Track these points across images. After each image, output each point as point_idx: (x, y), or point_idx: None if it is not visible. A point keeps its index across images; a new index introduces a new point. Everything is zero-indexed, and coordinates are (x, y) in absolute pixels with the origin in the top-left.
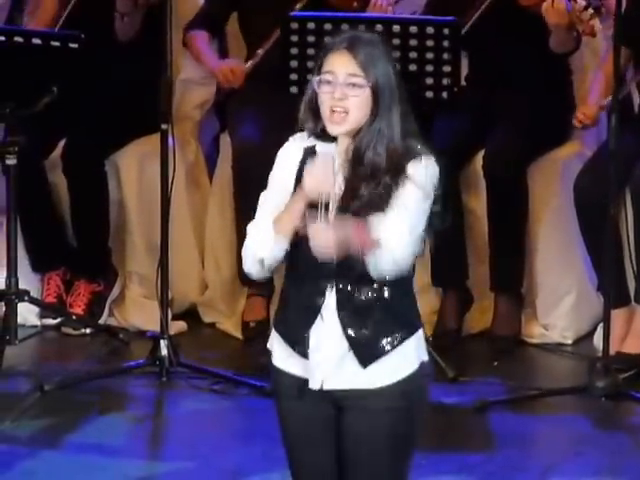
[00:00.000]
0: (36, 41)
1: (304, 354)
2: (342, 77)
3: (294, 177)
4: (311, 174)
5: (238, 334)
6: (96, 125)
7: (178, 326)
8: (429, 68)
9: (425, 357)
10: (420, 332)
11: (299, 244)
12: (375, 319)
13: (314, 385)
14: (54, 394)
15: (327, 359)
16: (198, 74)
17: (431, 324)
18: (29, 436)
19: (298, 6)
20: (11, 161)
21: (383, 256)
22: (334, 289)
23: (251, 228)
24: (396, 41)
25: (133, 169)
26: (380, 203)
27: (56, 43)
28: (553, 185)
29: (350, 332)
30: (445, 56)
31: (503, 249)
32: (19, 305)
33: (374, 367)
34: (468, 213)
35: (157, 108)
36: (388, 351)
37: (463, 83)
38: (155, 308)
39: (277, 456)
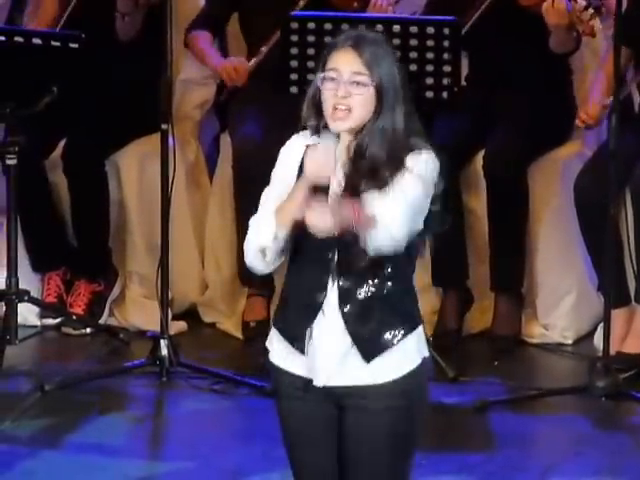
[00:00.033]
0: (36, 41)
1: (303, 350)
2: (347, 75)
3: (296, 173)
4: (312, 158)
5: (238, 334)
6: (96, 125)
7: (178, 326)
8: (429, 68)
9: (426, 352)
10: (421, 327)
11: (300, 241)
12: (377, 314)
13: (318, 382)
14: (54, 394)
15: (330, 355)
16: (198, 74)
17: (431, 324)
18: (29, 436)
19: (299, 5)
20: (11, 161)
21: (379, 232)
22: (335, 285)
23: (253, 221)
24: (396, 41)
25: (133, 169)
26: None
27: (56, 43)
28: (553, 185)
29: (353, 327)
30: (445, 56)
31: (503, 249)
32: (19, 305)
33: (378, 362)
34: (468, 213)
35: (157, 108)
36: (391, 346)
37: (463, 83)
38: (155, 308)
39: (277, 456)
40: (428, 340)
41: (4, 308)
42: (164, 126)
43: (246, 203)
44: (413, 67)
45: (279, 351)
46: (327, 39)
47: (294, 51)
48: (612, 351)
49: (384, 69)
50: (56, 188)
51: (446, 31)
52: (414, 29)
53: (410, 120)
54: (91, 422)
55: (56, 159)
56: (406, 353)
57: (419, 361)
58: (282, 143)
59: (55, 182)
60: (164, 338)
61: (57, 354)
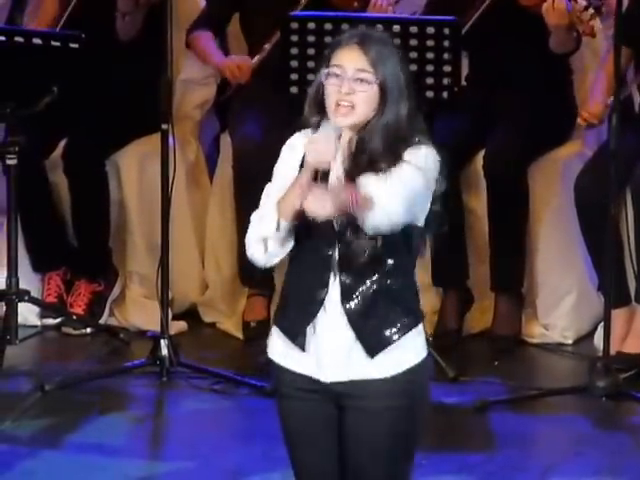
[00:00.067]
0: (36, 41)
1: (303, 347)
2: (351, 72)
3: (297, 170)
4: (313, 143)
5: (238, 334)
6: (97, 125)
7: (178, 326)
8: (429, 68)
9: (426, 348)
10: (421, 324)
11: (300, 238)
12: (380, 309)
13: (325, 378)
14: (54, 394)
15: (335, 352)
16: (198, 74)
17: (432, 324)
18: (30, 436)
19: (300, 5)
20: (12, 161)
21: (376, 211)
22: (337, 281)
23: (254, 216)
24: (396, 41)
25: (133, 169)
26: None
27: (56, 43)
28: (554, 185)
29: (356, 323)
30: (445, 56)
31: (503, 249)
32: (20, 305)
33: (381, 357)
34: (468, 213)
35: (158, 108)
36: (395, 340)
37: (463, 83)
38: (155, 308)
39: (277, 456)
40: (428, 340)
41: (4, 308)
42: (164, 126)
43: (246, 203)
44: (413, 67)
45: (280, 349)
46: (327, 39)
47: (294, 51)
48: (612, 351)
49: (389, 68)
50: (56, 188)
51: (446, 31)
52: (414, 29)
53: (414, 119)
54: (91, 422)
55: (56, 159)
56: (409, 347)
57: (423, 355)
58: (282, 143)
59: (55, 182)
60: (164, 338)
61: (57, 354)
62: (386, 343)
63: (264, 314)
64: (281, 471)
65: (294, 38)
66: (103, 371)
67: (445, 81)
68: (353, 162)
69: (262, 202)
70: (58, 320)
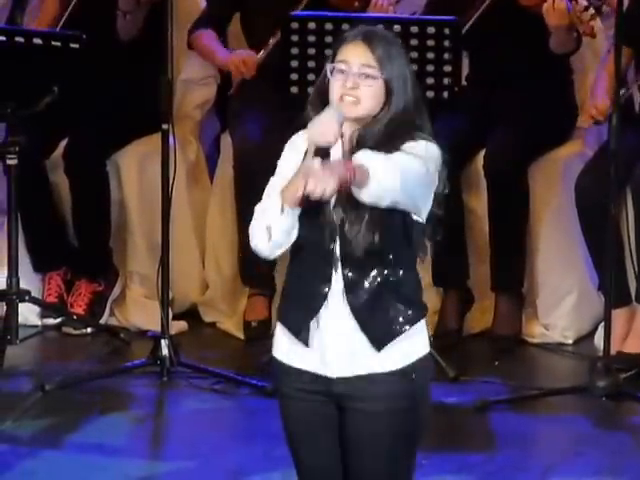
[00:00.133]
0: (37, 41)
1: (307, 342)
2: (356, 67)
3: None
4: (317, 120)
5: (239, 334)
6: (97, 125)
7: (179, 326)
8: (430, 68)
9: (428, 345)
10: (425, 317)
11: (301, 235)
12: (384, 303)
13: (330, 373)
14: (55, 394)
15: (340, 346)
16: (199, 74)
17: (432, 324)
18: (30, 436)
19: (300, 5)
20: (12, 161)
21: (372, 184)
22: (340, 275)
23: (258, 207)
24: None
25: (134, 169)
26: None
27: (57, 43)
28: (554, 185)
29: (361, 317)
30: (446, 56)
31: (504, 249)
32: (20, 305)
33: (388, 350)
34: (469, 213)
35: (158, 108)
36: (404, 330)
37: (464, 83)
38: (156, 308)
39: (278, 456)
40: (429, 340)
41: (5, 308)
42: (165, 126)
43: (247, 203)
44: (414, 67)
45: (284, 347)
46: (328, 39)
47: (294, 51)
48: (613, 351)
49: (394, 64)
50: (57, 188)
51: (447, 31)
52: (415, 29)
53: (418, 116)
54: (92, 422)
55: (57, 159)
56: (415, 340)
57: (428, 349)
58: (283, 143)
59: (56, 182)
60: (165, 338)
61: (58, 354)
62: (394, 335)
63: (265, 314)
64: (282, 471)
65: (294, 38)
66: (103, 371)
67: (445, 81)
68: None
69: (265, 196)
70: (58, 320)
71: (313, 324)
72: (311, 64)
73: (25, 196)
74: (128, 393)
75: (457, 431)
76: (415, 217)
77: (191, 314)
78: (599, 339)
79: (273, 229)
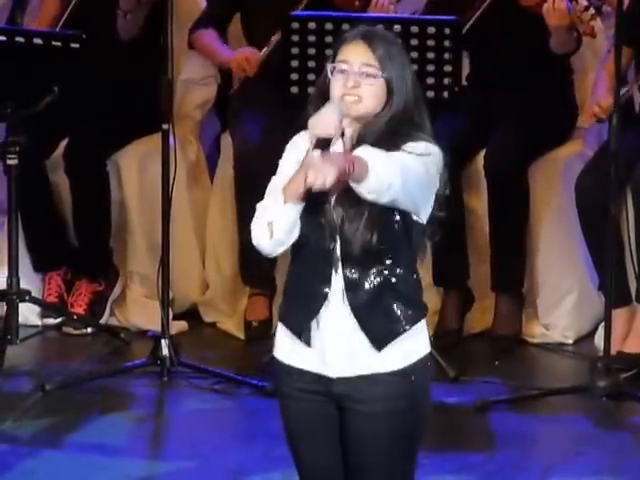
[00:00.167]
0: (37, 41)
1: (309, 342)
2: (357, 66)
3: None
4: (318, 114)
5: (239, 334)
6: (97, 125)
7: (179, 326)
8: (430, 68)
9: (429, 345)
10: (425, 317)
11: (302, 235)
12: (384, 303)
13: (331, 373)
14: (55, 394)
15: (340, 346)
16: (199, 74)
17: (432, 324)
18: (30, 436)
19: (300, 5)
20: (12, 161)
21: (371, 178)
22: (340, 275)
23: (260, 205)
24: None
25: (134, 169)
26: None
27: (57, 43)
28: (554, 185)
29: (361, 317)
30: (446, 56)
31: (504, 249)
32: (20, 305)
33: (389, 349)
34: (469, 213)
35: (158, 108)
36: (400, 334)
37: (464, 83)
38: (156, 308)
39: (278, 456)
40: (429, 339)
41: (5, 308)
42: (165, 126)
43: (247, 203)
44: (414, 67)
45: (286, 347)
46: (328, 39)
47: (295, 51)
48: (613, 351)
49: (395, 63)
50: (57, 188)
51: (447, 31)
52: (415, 29)
53: (421, 119)
54: (92, 422)
55: (57, 159)
56: (418, 338)
57: (428, 348)
58: (283, 143)
59: (56, 182)
60: (165, 338)
61: (58, 354)
62: (394, 335)
63: (266, 314)
64: (282, 471)
65: (295, 38)
66: (104, 371)
67: (446, 81)
68: None
69: (266, 194)
70: (59, 320)
71: (314, 324)
72: (311, 64)
73: (25, 196)
74: (128, 393)
75: (457, 431)
76: (415, 218)
77: (191, 314)
78: (599, 339)
79: (275, 226)
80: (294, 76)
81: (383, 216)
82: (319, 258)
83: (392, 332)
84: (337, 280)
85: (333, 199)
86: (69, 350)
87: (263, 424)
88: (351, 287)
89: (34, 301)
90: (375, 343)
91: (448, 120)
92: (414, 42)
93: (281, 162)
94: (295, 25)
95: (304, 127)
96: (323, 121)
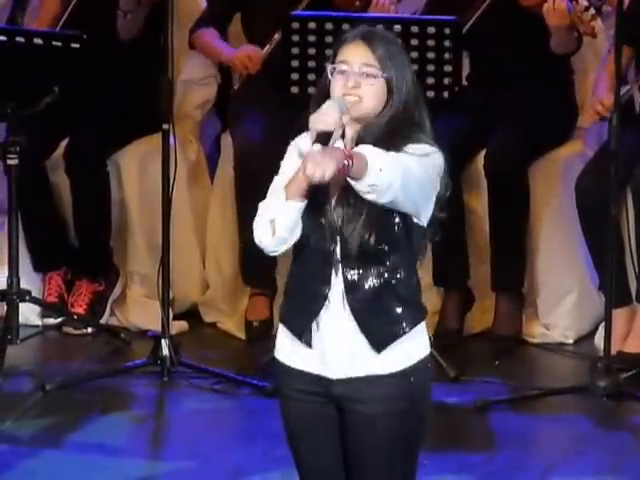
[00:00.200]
0: (37, 41)
1: (310, 344)
2: (357, 66)
3: None
4: (318, 110)
5: (239, 334)
6: (98, 125)
7: (179, 326)
8: (430, 68)
9: (429, 347)
10: (425, 319)
11: (303, 235)
12: (384, 305)
13: (331, 375)
14: (56, 394)
15: (340, 348)
16: (199, 74)
17: (433, 324)
18: (31, 436)
19: (301, 5)
20: (12, 161)
21: (370, 174)
22: (340, 277)
23: (262, 204)
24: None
25: (134, 169)
26: None
27: (57, 43)
28: (554, 185)
29: (361, 319)
30: (446, 56)
31: (504, 249)
32: (21, 305)
33: (389, 351)
34: (469, 213)
35: (158, 108)
36: (399, 336)
37: (464, 83)
38: (156, 308)
39: (278, 456)
40: (429, 339)
41: (5, 308)
42: (165, 126)
43: (247, 203)
44: (414, 67)
45: (287, 348)
46: (328, 39)
47: (295, 51)
48: (613, 351)
49: (395, 63)
50: (57, 188)
51: (447, 31)
52: (415, 29)
53: (421, 119)
54: (92, 422)
55: (58, 159)
56: (418, 340)
57: (428, 350)
58: (284, 143)
59: (56, 182)
60: (165, 338)
61: (58, 354)
62: (394, 337)
63: (267, 314)
64: (282, 471)
65: (295, 38)
66: (104, 371)
67: (446, 81)
68: None
69: (269, 194)
70: (59, 320)
71: (314, 326)
72: (311, 64)
73: (25, 196)
74: (129, 393)
75: (457, 431)
76: (416, 220)
77: (192, 314)
78: (599, 339)
79: (277, 223)
80: (294, 76)
81: (383, 218)
82: (319, 259)
83: (392, 334)
84: (337, 281)
85: (334, 200)
86: (69, 350)
87: (263, 424)
88: (351, 289)
89: (34, 301)
90: (375, 345)
91: (448, 120)
92: (414, 42)
93: (283, 163)
94: (295, 25)
95: (305, 127)
96: (323, 116)
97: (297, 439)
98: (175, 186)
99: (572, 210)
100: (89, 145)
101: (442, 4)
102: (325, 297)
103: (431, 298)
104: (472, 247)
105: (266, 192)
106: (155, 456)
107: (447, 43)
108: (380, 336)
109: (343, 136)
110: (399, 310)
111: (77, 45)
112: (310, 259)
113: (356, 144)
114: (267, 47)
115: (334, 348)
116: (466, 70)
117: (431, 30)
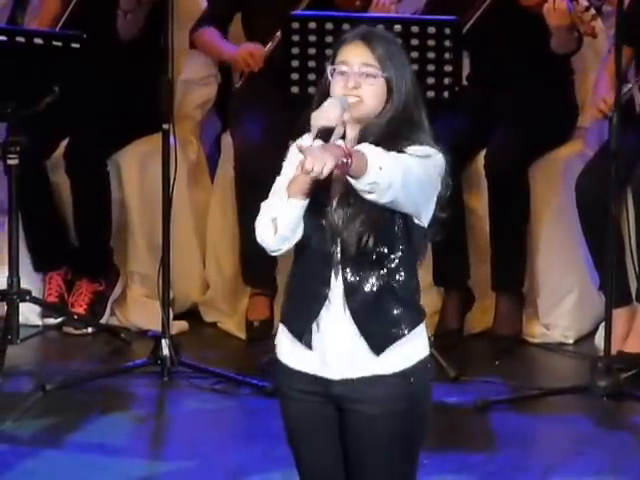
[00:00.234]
0: (38, 41)
1: (310, 345)
2: (356, 67)
3: None
4: (320, 108)
5: (239, 334)
6: (98, 125)
7: (179, 326)
8: (430, 67)
9: (428, 348)
10: (424, 323)
11: (303, 236)
12: (383, 306)
13: (331, 376)
14: (56, 394)
15: (340, 349)
16: (199, 74)
17: (433, 324)
18: (31, 436)
19: (301, 5)
20: (13, 161)
21: (370, 172)
22: (340, 278)
23: (264, 203)
24: (397, 41)
25: (134, 169)
26: None
27: (58, 43)
28: (555, 185)
29: (360, 321)
30: (446, 56)
31: (504, 248)
32: (21, 305)
33: (388, 353)
34: (469, 212)
35: (158, 108)
36: (399, 337)
37: (465, 83)
38: (157, 308)
39: (278, 456)
40: (429, 340)
41: (6, 308)
42: (165, 126)
43: (248, 203)
44: (414, 67)
45: (287, 348)
46: (328, 39)
47: (295, 51)
48: (613, 351)
49: (395, 63)
50: (57, 188)
51: (447, 31)
52: (415, 29)
53: (420, 118)
54: (92, 422)
55: (58, 159)
56: (415, 343)
57: (427, 351)
58: (284, 143)
59: (57, 182)
60: (165, 338)
61: (58, 354)
62: (393, 339)
63: (267, 314)
64: (282, 471)
65: (295, 38)
66: (104, 371)
67: (446, 81)
68: None
69: (271, 194)
70: (59, 320)
71: (314, 327)
72: (312, 64)
73: (26, 196)
74: (129, 393)
75: (457, 431)
76: (416, 221)
77: (192, 314)
78: (600, 339)
79: (279, 222)
80: (294, 76)
81: (383, 219)
82: (320, 260)
83: (391, 336)
84: (337, 283)
85: (335, 202)
86: (69, 350)
87: (263, 424)
88: (351, 290)
89: (34, 301)
90: (374, 348)
91: (448, 120)
92: (414, 42)
93: (284, 164)
94: (295, 25)
95: (305, 127)
96: (325, 112)
97: (297, 439)
98: (175, 186)
99: (572, 210)
100: (89, 145)
101: (442, 4)
102: (325, 298)
103: (431, 298)
104: (472, 247)
105: (266, 192)
106: (155, 456)
107: (447, 43)
108: (379, 338)
109: (344, 137)
110: (398, 312)
111: (77, 45)
112: (311, 260)
113: (358, 143)
114: (269, 45)
115: (334, 349)
116: (466, 70)
117: (431, 30)
